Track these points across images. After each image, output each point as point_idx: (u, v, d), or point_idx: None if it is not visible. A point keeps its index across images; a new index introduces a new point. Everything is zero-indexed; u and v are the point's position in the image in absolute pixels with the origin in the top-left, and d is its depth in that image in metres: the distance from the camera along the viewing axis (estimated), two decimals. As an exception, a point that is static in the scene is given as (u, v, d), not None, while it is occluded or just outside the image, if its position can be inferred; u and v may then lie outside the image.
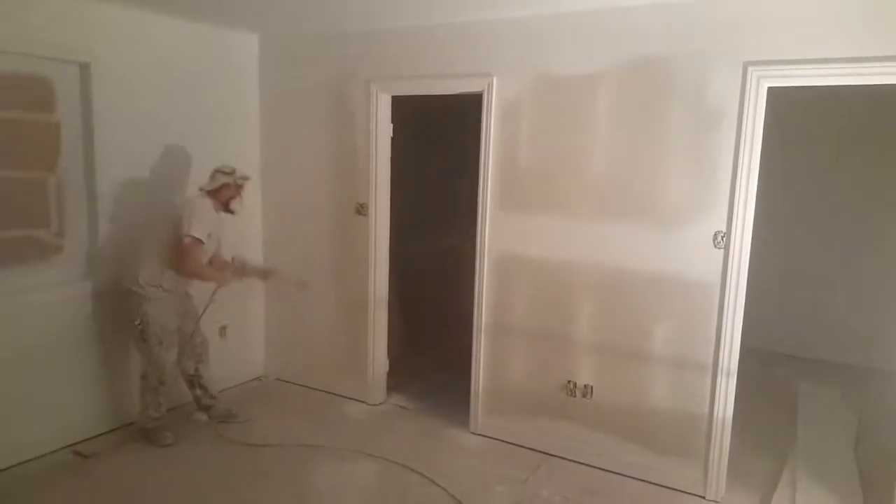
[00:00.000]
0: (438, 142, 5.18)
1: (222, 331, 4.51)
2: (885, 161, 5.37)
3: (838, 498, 3.41)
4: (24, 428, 3.48)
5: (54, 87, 3.53)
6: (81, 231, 3.73)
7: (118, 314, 3.83)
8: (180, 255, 3.53)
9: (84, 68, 3.60)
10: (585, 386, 3.69)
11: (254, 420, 4.11)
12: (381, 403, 4.47)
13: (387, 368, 4.50)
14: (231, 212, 3.74)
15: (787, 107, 3.96)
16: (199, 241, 3.52)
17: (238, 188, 3.71)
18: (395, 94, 4.15)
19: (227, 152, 4.32)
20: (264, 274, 4.14)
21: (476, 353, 4.00)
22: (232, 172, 3.69)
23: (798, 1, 2.97)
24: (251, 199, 4.65)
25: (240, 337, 4.67)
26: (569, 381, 3.73)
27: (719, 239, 3.26)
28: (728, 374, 3.30)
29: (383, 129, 4.19)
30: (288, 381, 4.79)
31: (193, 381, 3.98)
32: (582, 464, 3.67)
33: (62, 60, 3.51)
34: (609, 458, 3.63)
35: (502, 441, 3.94)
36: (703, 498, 3.40)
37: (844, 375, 5.34)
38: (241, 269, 3.89)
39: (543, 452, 3.79)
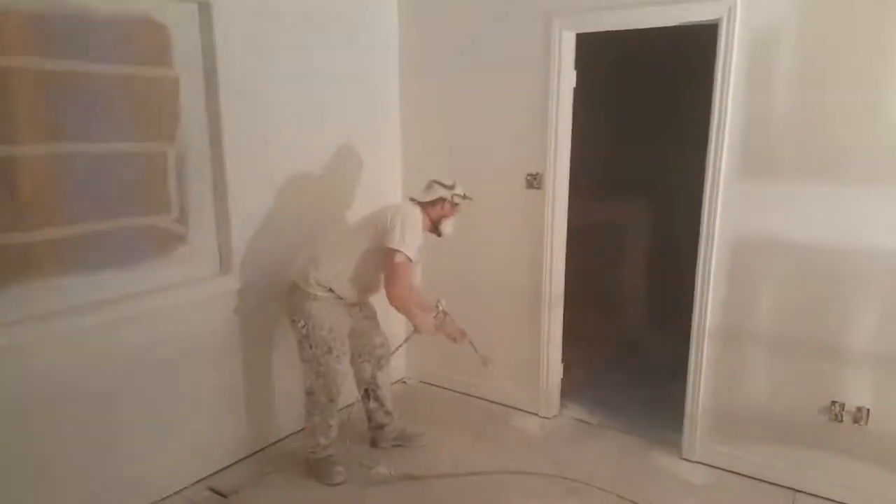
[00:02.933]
0: (624, 92, 4.32)
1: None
2: None
3: None
4: (150, 458, 2.81)
5: (170, 34, 2.74)
6: (208, 217, 2.98)
7: (259, 317, 3.19)
8: (389, 276, 2.84)
9: (204, 8, 2.80)
10: (858, 409, 2.81)
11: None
12: (555, 416, 3.69)
13: (561, 374, 3.69)
14: (439, 234, 3.04)
15: None
16: (411, 260, 2.82)
17: (454, 207, 3.01)
18: (583, 30, 3.23)
19: (360, 124, 3.59)
20: (458, 335, 3.18)
21: (695, 363, 3.14)
22: (452, 187, 2.98)
23: None
24: (391, 175, 3.89)
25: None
26: (833, 403, 2.85)
27: None
28: None
29: (566, 79, 3.29)
30: (436, 385, 4.06)
31: (369, 390, 3.25)
32: (850, 507, 2.83)
33: (179, -1, 2.72)
34: (888, 500, 2.77)
35: (731, 472, 3.11)
36: None
37: None
38: (441, 321, 3.11)
39: (793, 489, 2.96)
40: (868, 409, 2.79)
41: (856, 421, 2.82)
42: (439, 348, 3.93)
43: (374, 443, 3.33)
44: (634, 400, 3.82)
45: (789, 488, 2.97)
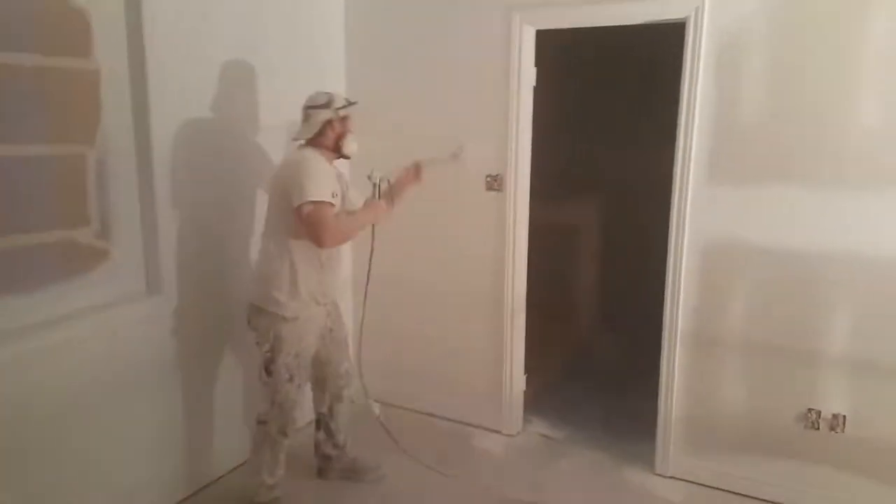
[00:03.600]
0: (591, 91, 4.19)
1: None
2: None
3: None
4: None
5: (90, 19, 2.39)
6: (134, 230, 2.62)
7: (200, 339, 2.85)
8: (309, 233, 2.43)
9: (128, -9, 2.47)
10: (835, 416, 2.74)
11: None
12: (518, 433, 3.49)
13: (524, 387, 3.50)
14: (345, 156, 2.64)
15: None
16: (325, 203, 2.40)
17: (345, 121, 2.60)
18: (544, 26, 3.06)
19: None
20: (413, 173, 2.84)
21: (667, 373, 3.02)
22: (328, 104, 2.54)
23: None
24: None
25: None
26: (810, 410, 2.78)
27: None
28: None
29: (526, 77, 3.11)
30: (389, 405, 3.78)
31: (320, 420, 2.95)
32: (832, 519, 2.76)
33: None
34: (870, 510, 2.71)
35: (707, 486, 2.99)
36: None
37: None
38: (389, 191, 2.76)
39: (769, 502, 2.86)
40: (844, 416, 2.73)
41: (832, 428, 2.75)
42: (394, 366, 3.70)
43: (321, 473, 3.03)
44: (596, 410, 3.69)
45: (768, 501, 2.87)
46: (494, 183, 3.26)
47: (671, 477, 3.06)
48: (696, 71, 2.74)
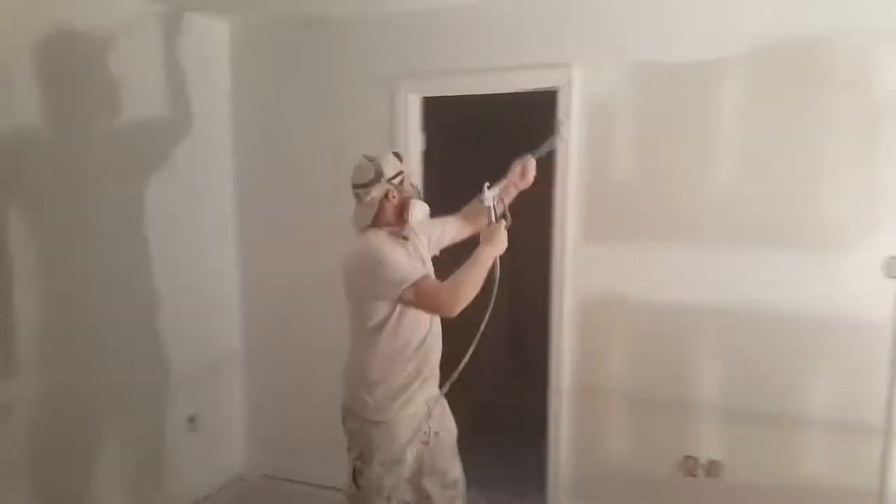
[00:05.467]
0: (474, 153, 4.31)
1: (191, 422, 3.31)
2: None
3: None
4: None
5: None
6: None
7: (66, 433, 2.60)
8: (427, 308, 2.15)
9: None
10: (710, 462, 2.86)
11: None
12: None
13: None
14: (406, 221, 2.26)
15: None
16: (420, 279, 2.09)
17: (402, 187, 2.24)
18: (428, 94, 3.19)
19: (188, 187, 3.23)
20: (520, 175, 2.39)
21: (554, 425, 3.07)
22: (378, 177, 2.18)
23: None
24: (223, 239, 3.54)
25: (213, 426, 3.46)
26: (687, 458, 2.89)
27: (892, 266, 2.56)
28: (905, 437, 2.60)
29: (413, 141, 3.21)
30: (280, 478, 3.61)
31: None
32: (715, 564, 2.83)
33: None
34: (750, 553, 2.81)
35: (598, 539, 3.03)
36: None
37: None
38: (502, 214, 2.30)
39: (658, 551, 2.93)
40: (719, 462, 2.85)
41: (710, 474, 2.86)
42: (282, 432, 3.57)
43: None
44: (499, 466, 3.67)
45: (655, 550, 2.93)
46: (385, 244, 3.28)
47: (565, 532, 3.08)
48: (569, 137, 2.91)
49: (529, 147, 2.41)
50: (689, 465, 2.89)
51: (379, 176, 2.18)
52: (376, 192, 2.18)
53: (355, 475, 2.22)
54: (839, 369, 2.67)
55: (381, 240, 2.18)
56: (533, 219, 3.16)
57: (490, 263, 2.18)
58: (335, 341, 3.29)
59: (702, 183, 2.77)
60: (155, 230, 3.01)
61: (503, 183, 2.36)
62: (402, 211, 2.23)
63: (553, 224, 2.98)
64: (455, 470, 2.43)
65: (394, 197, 2.21)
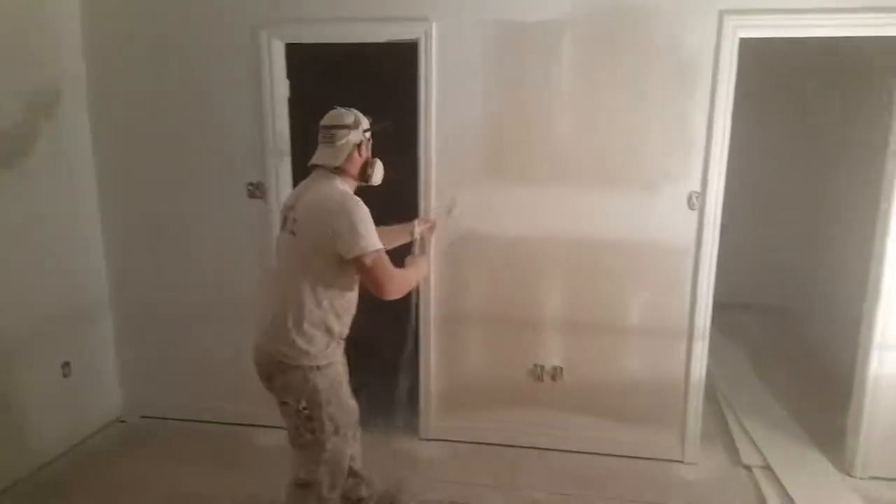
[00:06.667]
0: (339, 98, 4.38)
1: (65, 368, 3.32)
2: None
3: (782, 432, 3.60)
4: None
5: None
6: None
7: None
8: (372, 282, 2.16)
9: None
10: (555, 368, 3.39)
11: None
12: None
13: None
14: (369, 183, 2.35)
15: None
16: (382, 250, 2.17)
17: (369, 143, 2.34)
18: (292, 41, 3.26)
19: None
20: (431, 228, 2.99)
21: (425, 352, 3.45)
22: (356, 124, 2.26)
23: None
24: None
25: (87, 372, 3.48)
26: (535, 366, 3.40)
27: (693, 200, 3.13)
28: (702, 337, 3.25)
29: (279, 87, 3.29)
30: (161, 418, 3.73)
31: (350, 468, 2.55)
32: (559, 450, 3.40)
33: None
34: (586, 440, 3.41)
35: (462, 442, 3.49)
36: (682, 462, 3.35)
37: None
38: (423, 244, 2.89)
39: (514, 446, 3.44)
40: (561, 368, 3.38)
41: (553, 378, 3.39)
42: (157, 374, 3.67)
43: None
44: (373, 398, 3.99)
45: (512, 446, 3.44)
46: (256, 191, 3.39)
47: (433, 439, 3.51)
48: (429, 84, 3.15)
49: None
50: (536, 372, 3.39)
51: (357, 123, 2.27)
52: (353, 137, 2.25)
53: (305, 425, 2.26)
54: (654, 285, 3.24)
55: (349, 190, 2.25)
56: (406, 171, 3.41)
57: (418, 280, 2.51)
58: (204, 275, 3.46)
59: (547, 132, 3.15)
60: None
61: (428, 224, 2.97)
62: (364, 170, 2.32)
63: (419, 165, 3.25)
64: (353, 401, 2.61)
65: (362, 149, 2.29)
